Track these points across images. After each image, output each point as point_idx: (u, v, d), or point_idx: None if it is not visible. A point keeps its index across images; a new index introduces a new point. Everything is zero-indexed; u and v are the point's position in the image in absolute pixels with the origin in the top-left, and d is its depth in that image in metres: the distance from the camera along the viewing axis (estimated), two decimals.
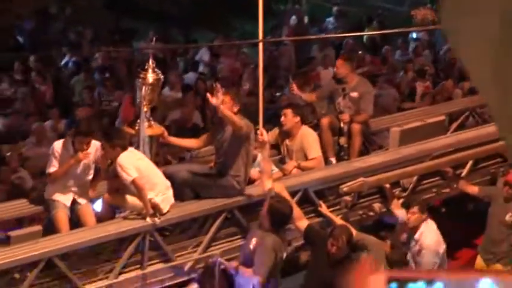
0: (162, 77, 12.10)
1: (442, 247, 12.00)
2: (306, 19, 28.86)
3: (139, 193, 10.96)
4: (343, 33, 25.62)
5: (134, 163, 11.05)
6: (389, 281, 2.02)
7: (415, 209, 12.00)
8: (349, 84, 13.76)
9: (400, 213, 12.60)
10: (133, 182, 10.89)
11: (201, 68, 22.20)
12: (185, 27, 26.35)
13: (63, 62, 22.54)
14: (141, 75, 11.84)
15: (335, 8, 28.94)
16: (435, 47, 24.94)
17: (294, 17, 27.30)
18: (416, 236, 11.92)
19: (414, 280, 1.99)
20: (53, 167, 11.37)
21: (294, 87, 13.96)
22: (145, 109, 11.66)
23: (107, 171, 11.74)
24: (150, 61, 12.00)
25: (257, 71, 13.77)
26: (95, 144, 11.43)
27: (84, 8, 26.90)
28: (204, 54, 23.00)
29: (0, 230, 11.37)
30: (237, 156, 11.59)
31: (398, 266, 11.74)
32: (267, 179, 11.55)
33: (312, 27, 28.30)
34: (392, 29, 25.25)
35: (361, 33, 25.93)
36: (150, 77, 11.85)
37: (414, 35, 25.14)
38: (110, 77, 20.36)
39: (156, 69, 11.91)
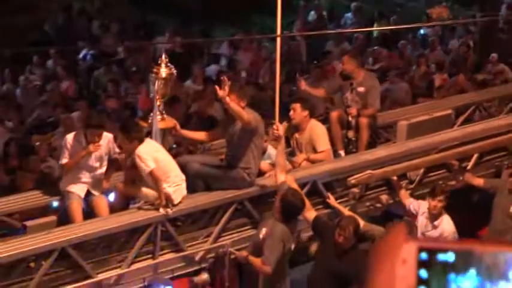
0: (174, 71, 11.98)
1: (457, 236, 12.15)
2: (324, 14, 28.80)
3: (155, 184, 10.98)
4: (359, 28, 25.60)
5: (152, 154, 11.05)
6: (420, 250, 1.85)
7: (442, 197, 12.07)
8: (356, 80, 13.70)
9: (409, 202, 12.57)
10: (150, 173, 10.91)
11: (222, 62, 22.26)
12: (207, 22, 26.30)
13: (81, 55, 22.71)
14: (154, 70, 11.82)
15: (353, 4, 28.90)
16: (446, 42, 24.87)
17: (312, 12, 27.33)
18: (436, 223, 12.07)
19: (444, 250, 1.81)
20: (65, 159, 11.41)
21: (302, 83, 13.83)
22: (158, 103, 11.61)
23: (125, 162, 11.74)
24: (163, 56, 11.98)
25: (275, 65, 13.70)
26: (107, 136, 11.50)
27: (111, 3, 27.44)
28: (225, 49, 23.32)
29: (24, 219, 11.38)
30: (246, 149, 11.59)
31: None
32: (280, 172, 11.43)
33: (330, 22, 28.19)
34: (406, 24, 25.12)
35: (376, 29, 25.86)
36: (163, 71, 11.82)
37: (422, 31, 25.13)
38: (136, 71, 20.37)
39: (169, 64, 11.86)
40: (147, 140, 11.23)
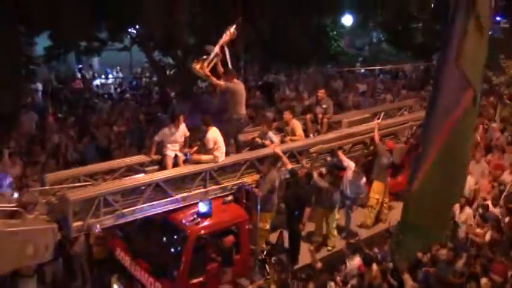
0: None
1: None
2: None
3: (210, 153, 11.00)
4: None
5: (215, 137, 10.95)
6: None
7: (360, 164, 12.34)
8: (322, 101, 13.59)
9: (345, 159, 12.47)
10: (211, 148, 10.94)
11: None
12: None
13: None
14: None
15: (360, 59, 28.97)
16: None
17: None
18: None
19: None
20: (157, 136, 11.19)
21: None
22: None
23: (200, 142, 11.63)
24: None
25: None
26: (183, 126, 11.29)
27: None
28: None
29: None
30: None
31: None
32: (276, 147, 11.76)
33: None
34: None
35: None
36: None
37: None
38: None
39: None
40: (214, 128, 11.04)
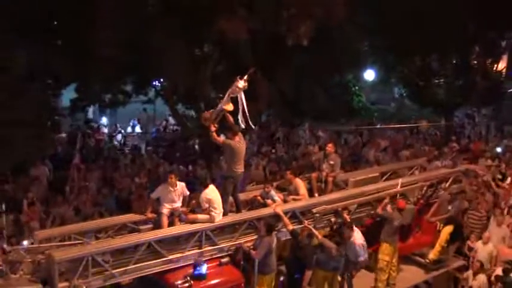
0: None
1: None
2: None
3: (206, 212, 10.30)
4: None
5: (212, 197, 10.23)
6: None
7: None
8: (330, 156, 12.79)
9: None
10: (205, 208, 10.24)
11: None
12: None
13: None
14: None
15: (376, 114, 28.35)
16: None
17: None
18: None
19: None
20: (153, 194, 10.59)
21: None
22: None
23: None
24: None
25: None
26: (181, 184, 10.65)
27: None
28: None
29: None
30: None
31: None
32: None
33: None
34: None
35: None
36: None
37: None
38: None
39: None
40: (211, 186, 10.37)
